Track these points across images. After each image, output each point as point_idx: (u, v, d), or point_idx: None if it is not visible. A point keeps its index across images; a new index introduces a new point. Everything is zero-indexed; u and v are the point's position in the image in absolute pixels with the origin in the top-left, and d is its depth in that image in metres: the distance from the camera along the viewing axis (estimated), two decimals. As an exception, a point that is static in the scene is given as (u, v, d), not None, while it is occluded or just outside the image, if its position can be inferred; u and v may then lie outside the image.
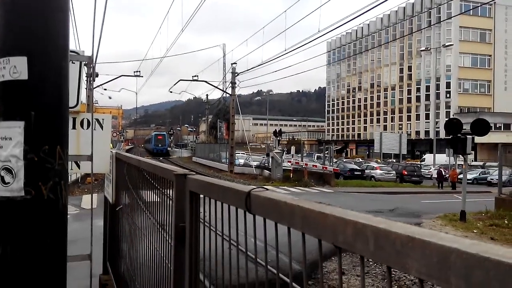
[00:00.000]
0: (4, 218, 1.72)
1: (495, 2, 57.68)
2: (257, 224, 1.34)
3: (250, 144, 50.45)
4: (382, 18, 74.51)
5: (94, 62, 2.80)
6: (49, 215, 1.74)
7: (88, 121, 3.83)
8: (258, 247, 1.33)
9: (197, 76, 34.99)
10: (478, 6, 58.32)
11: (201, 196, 1.86)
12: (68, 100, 1.83)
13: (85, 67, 3.67)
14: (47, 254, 1.72)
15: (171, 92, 44.33)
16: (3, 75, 1.72)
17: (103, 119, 4.06)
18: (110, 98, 73.26)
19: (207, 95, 67.16)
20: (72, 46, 2.25)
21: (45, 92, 1.74)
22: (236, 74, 33.16)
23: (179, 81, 37.23)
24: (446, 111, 64.34)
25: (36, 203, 1.72)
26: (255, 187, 1.38)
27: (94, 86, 7.36)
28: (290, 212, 1.13)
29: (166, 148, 70.81)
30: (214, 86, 36.49)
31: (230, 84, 33.38)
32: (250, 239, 1.39)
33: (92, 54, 2.75)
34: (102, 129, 3.99)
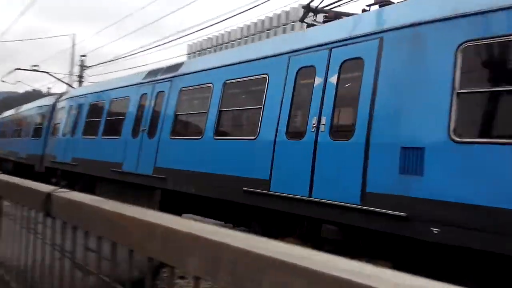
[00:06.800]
0: None
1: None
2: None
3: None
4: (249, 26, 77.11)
5: None
6: None
7: None
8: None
9: (38, 66, 31.26)
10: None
11: None
12: None
13: None
14: None
15: (3, 81, 38.78)
16: None
17: None
18: None
19: (49, 88, 60.68)
20: None
21: None
22: (85, 68, 30.72)
23: (15, 69, 32.76)
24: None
25: None
26: (58, 187, 1.25)
27: None
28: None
29: None
30: (58, 79, 33.13)
31: (78, 78, 30.77)
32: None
33: None
34: None
